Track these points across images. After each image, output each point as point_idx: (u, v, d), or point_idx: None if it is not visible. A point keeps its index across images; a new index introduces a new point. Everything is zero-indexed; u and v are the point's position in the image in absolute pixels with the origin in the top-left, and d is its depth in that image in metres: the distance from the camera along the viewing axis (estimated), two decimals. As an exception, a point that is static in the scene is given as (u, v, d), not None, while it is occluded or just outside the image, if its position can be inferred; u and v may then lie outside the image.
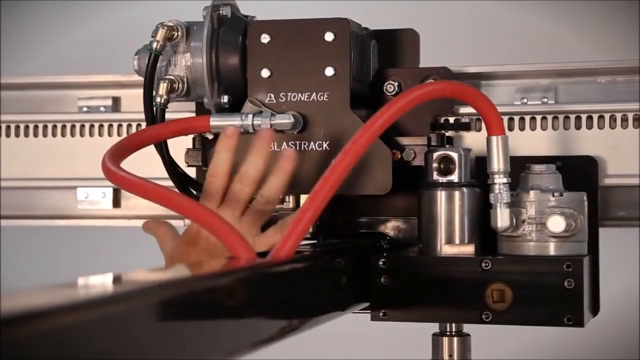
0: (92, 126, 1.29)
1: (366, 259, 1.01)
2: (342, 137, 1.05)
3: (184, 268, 0.78)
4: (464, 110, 1.14)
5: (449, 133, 1.14)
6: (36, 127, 1.31)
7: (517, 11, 2.15)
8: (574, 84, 1.16)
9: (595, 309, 1.06)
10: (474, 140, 1.14)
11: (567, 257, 0.98)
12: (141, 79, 1.10)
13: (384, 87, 1.12)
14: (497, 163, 1.00)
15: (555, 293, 0.95)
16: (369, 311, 1.01)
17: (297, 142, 1.08)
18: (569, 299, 0.95)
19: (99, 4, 2.29)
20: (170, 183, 1.12)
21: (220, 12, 1.09)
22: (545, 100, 1.15)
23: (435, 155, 1.04)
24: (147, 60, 1.08)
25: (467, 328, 1.09)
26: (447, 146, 1.10)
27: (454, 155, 1.03)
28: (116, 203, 1.29)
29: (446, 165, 1.03)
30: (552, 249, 1.00)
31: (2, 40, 2.27)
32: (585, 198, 1.02)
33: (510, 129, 1.14)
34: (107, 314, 0.58)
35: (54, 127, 1.30)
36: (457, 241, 1.02)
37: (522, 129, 1.14)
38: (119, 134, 1.27)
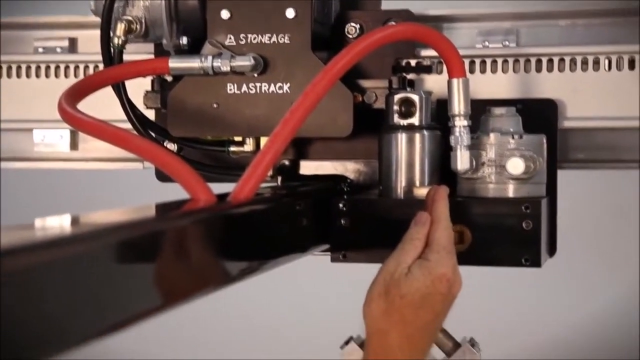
0: (48, 67, 1.26)
1: (326, 202, 1.01)
2: (303, 79, 1.05)
3: (143, 210, 0.77)
4: (425, 53, 1.13)
5: (410, 76, 1.14)
6: (-9, 68, 1.28)
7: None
8: (535, 27, 1.16)
9: (552, 250, 1.07)
10: (435, 83, 1.14)
11: (525, 198, 0.99)
12: (98, 19, 1.08)
13: (345, 30, 1.11)
14: (458, 106, 1.00)
15: (514, 234, 0.96)
16: (329, 253, 1.02)
17: (258, 85, 1.07)
18: (527, 240, 0.96)
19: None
20: (129, 125, 1.11)
21: (179, -49, 1.07)
22: (507, 43, 1.15)
23: (397, 97, 1.03)
24: (105, 1, 1.06)
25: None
26: (408, 89, 1.10)
27: (415, 98, 1.03)
28: (74, 145, 1.27)
29: (407, 108, 1.03)
30: (511, 191, 1.00)
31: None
32: (545, 141, 1.02)
33: (472, 71, 1.14)
34: (65, 255, 0.57)
35: (9, 68, 1.28)
36: (417, 183, 1.02)
37: (483, 72, 1.14)
38: (75, 76, 1.25)
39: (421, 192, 1.00)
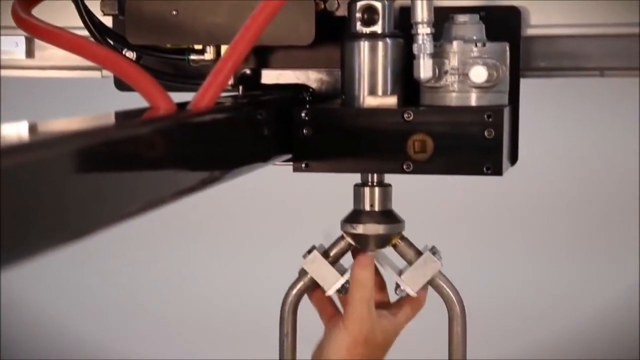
0: (1, -28, 1.23)
1: (288, 111, 1.00)
2: (264, -15, 1.02)
3: (102, 118, 0.76)
4: (388, -41, 1.11)
5: (373, -17, 1.12)
6: (-59, -27, 1.24)
7: None
8: None
9: (513, 159, 1.07)
10: (398, -10, 1.12)
11: (488, 107, 0.99)
12: None
13: None
14: (421, 13, 0.99)
15: (476, 143, 0.96)
16: (291, 163, 1.01)
17: (218, -9, 1.05)
18: (488, 149, 0.96)
19: None
20: (86, 33, 1.08)
21: None
22: (470, -52, 1.13)
23: (359, 5, 1.02)
24: None
25: (389, 179, 1.10)
26: (370, -4, 1.08)
27: (378, 5, 1.02)
28: (30, 53, 1.25)
29: (370, 16, 1.02)
30: (473, 100, 1.00)
31: None
32: (508, 48, 1.02)
33: (435, -22, 1.12)
34: (22, 162, 0.56)
35: (-40, -28, 1.24)
36: (379, 92, 1.02)
37: (446, -22, 1.13)
38: (30, -19, 1.22)
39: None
